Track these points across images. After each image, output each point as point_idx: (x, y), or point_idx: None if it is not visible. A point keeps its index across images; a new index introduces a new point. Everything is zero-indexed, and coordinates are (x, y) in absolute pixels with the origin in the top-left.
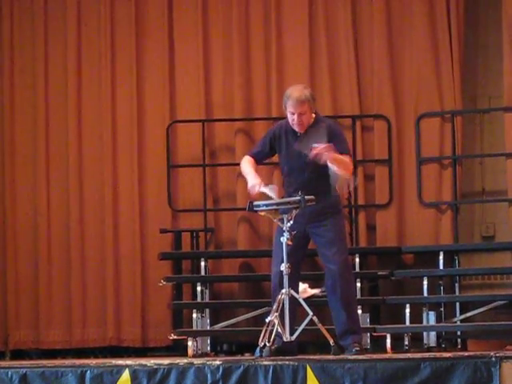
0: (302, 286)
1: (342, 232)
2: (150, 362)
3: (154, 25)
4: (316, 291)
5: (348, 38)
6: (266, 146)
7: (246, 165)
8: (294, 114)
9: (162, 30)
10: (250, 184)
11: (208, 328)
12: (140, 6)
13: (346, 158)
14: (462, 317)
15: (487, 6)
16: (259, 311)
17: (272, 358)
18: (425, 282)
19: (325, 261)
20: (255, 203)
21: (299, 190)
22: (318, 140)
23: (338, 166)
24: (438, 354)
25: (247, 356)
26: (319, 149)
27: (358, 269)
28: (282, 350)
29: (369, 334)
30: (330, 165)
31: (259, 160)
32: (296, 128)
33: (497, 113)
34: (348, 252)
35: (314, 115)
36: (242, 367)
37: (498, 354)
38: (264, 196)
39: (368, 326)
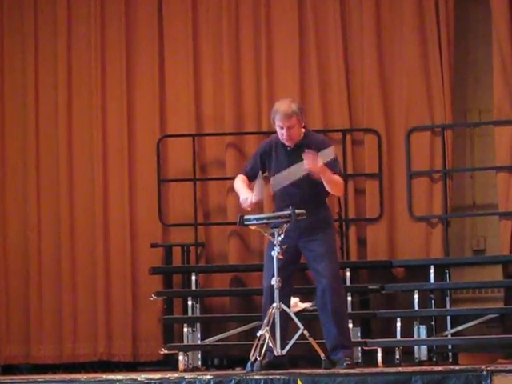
0: (293, 300)
1: (332, 246)
2: (141, 376)
3: (144, 39)
4: (307, 305)
5: (338, 53)
6: (257, 162)
7: (239, 183)
8: (282, 128)
9: (152, 44)
10: (241, 198)
11: (199, 342)
12: (130, 21)
13: (337, 178)
14: (453, 330)
15: (477, 20)
16: (250, 325)
17: (263, 372)
18: (415, 296)
19: (316, 275)
20: (246, 217)
21: (290, 205)
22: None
23: (329, 186)
24: (429, 368)
25: (238, 370)
26: (312, 162)
27: (348, 283)
28: (273, 364)
29: (360, 348)
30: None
31: (251, 177)
32: (286, 142)
33: (487, 126)
34: (339, 266)
35: (303, 130)
36: (232, 381)
37: (489, 368)
38: (256, 210)
39: (359, 339)
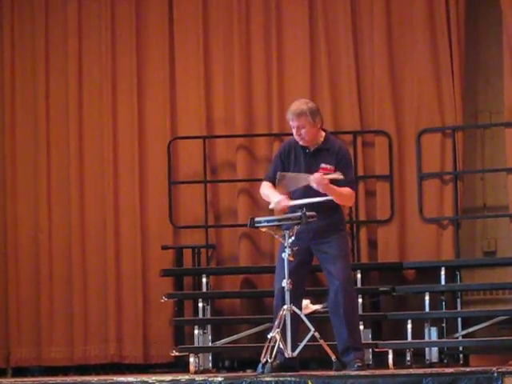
0: (304, 302)
1: (345, 248)
2: (152, 378)
3: (155, 41)
4: (317, 307)
5: (349, 54)
6: (278, 166)
7: (266, 189)
8: (294, 127)
9: (163, 46)
10: (275, 200)
11: (210, 344)
12: (141, 24)
13: (346, 191)
14: (464, 332)
15: (488, 22)
16: (261, 327)
17: (274, 374)
18: (426, 298)
19: (328, 276)
20: (256, 219)
21: (304, 207)
22: (327, 161)
23: (337, 199)
24: (440, 370)
25: (249, 372)
26: (318, 182)
27: (359, 284)
28: (284, 366)
29: (371, 350)
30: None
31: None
32: (299, 142)
33: (498, 128)
34: (351, 268)
35: (323, 133)
36: (243, 383)
37: (500, 370)
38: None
39: (370, 341)
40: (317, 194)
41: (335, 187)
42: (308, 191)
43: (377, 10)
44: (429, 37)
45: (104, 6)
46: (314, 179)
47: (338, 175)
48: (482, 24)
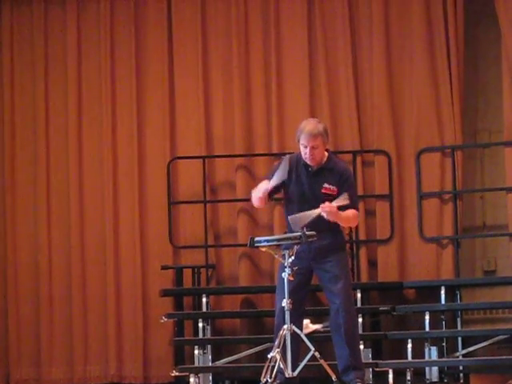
0: (304, 322)
1: (346, 268)
2: None
3: (155, 61)
4: (318, 327)
5: (348, 74)
6: (284, 176)
7: (261, 184)
8: (306, 147)
9: (162, 66)
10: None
11: (210, 364)
12: (140, 43)
13: (351, 214)
14: (464, 351)
15: (487, 41)
16: (261, 347)
17: None
18: (426, 317)
19: (330, 296)
20: (256, 239)
21: (304, 226)
22: (330, 181)
23: (343, 223)
24: None
25: None
26: (329, 212)
27: (359, 304)
28: None
29: (371, 370)
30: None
31: (270, 193)
32: (308, 162)
33: (497, 147)
34: (352, 288)
35: (326, 153)
36: None
37: None
38: (267, 233)
39: (370, 361)
40: (313, 207)
41: (342, 213)
42: (312, 208)
43: (376, 29)
44: (428, 56)
45: (103, 28)
46: (325, 210)
47: (343, 200)
48: (481, 44)
